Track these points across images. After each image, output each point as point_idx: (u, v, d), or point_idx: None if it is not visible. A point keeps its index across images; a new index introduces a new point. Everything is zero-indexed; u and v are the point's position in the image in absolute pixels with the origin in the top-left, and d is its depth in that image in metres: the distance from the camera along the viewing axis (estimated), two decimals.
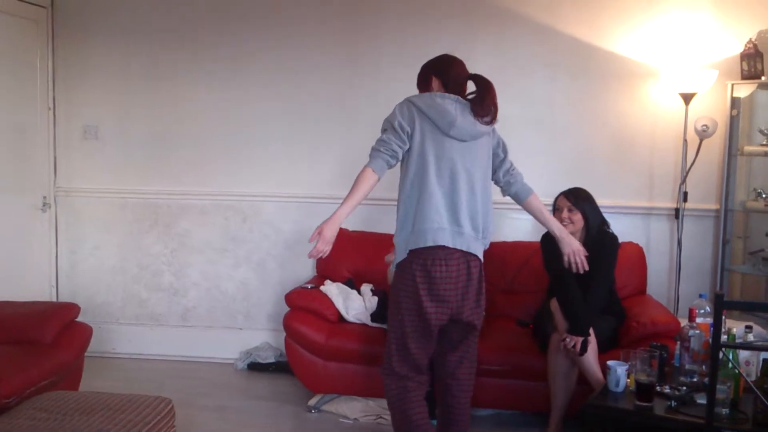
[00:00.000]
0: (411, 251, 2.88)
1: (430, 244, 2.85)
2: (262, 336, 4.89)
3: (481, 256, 3.00)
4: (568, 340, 3.37)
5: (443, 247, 2.87)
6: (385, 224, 4.62)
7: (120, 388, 3.68)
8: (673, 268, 4.37)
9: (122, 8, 4.85)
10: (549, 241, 3.72)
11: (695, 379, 3.10)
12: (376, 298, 4.21)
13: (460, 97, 2.97)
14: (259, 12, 4.72)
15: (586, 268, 3.24)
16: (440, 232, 2.86)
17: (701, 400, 2.89)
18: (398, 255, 2.94)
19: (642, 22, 4.34)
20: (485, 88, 3.01)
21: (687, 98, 4.14)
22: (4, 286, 4.37)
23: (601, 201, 3.75)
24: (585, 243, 3.64)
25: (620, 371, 3.06)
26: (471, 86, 3.06)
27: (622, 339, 3.64)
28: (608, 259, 3.60)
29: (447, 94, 2.96)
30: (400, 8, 4.58)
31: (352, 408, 3.97)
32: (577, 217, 3.63)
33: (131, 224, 4.98)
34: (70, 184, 5.00)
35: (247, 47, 4.75)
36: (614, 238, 3.68)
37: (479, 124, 2.95)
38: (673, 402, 2.90)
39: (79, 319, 3.84)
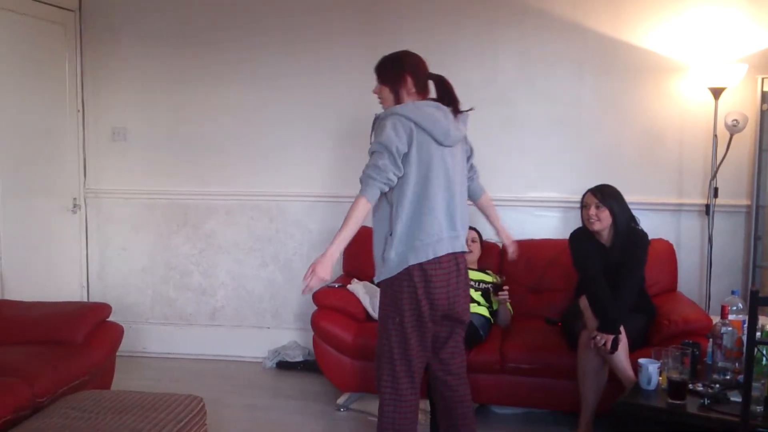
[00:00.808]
0: (411, 265, 2.81)
1: (431, 257, 2.82)
2: (290, 335, 4.91)
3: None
4: (598, 338, 3.34)
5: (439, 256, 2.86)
6: None
7: (151, 387, 3.71)
8: (704, 265, 4.32)
9: (148, 11, 4.90)
10: (577, 238, 3.72)
11: (728, 377, 3.06)
12: None
13: (438, 103, 2.93)
14: (281, 15, 4.74)
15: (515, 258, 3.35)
16: (440, 243, 2.84)
17: (735, 397, 2.86)
18: (389, 269, 2.84)
19: (670, 16, 4.29)
20: (449, 88, 2.99)
21: (716, 93, 4.09)
22: (36, 287, 4.44)
23: (630, 197, 3.71)
24: (613, 240, 3.63)
25: (652, 369, 3.03)
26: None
27: (653, 337, 3.60)
28: (638, 256, 3.56)
29: (429, 102, 2.92)
30: (421, 7, 4.57)
31: None
32: (605, 214, 3.60)
33: (160, 225, 5.03)
34: (99, 185, 5.06)
35: (270, 49, 4.76)
36: (644, 234, 3.64)
37: (461, 127, 2.96)
38: (706, 400, 2.86)
39: (110, 318, 3.88)
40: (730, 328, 3.22)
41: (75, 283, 5.01)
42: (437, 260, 2.84)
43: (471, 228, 4.34)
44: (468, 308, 3.08)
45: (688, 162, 4.36)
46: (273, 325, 4.95)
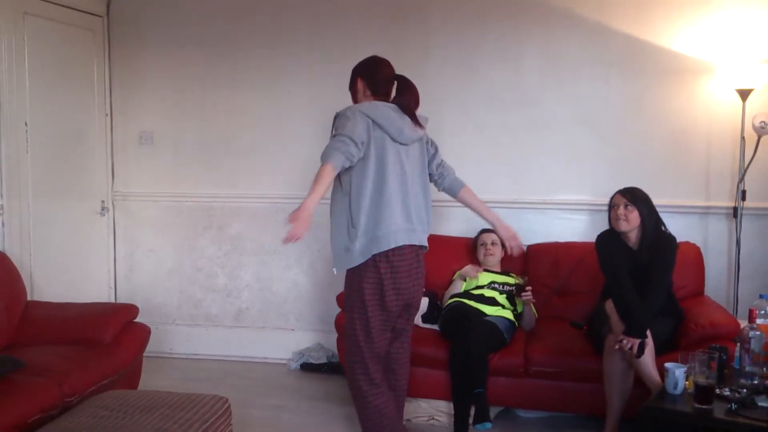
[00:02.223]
0: (376, 256, 3.02)
1: (393, 246, 3.03)
2: (313, 337, 4.93)
3: (426, 244, 3.23)
4: (624, 342, 3.32)
5: (401, 246, 3.07)
6: (432, 226, 4.58)
7: (177, 387, 3.74)
8: (731, 269, 4.27)
9: (174, 17, 4.96)
10: (605, 241, 3.69)
11: (756, 382, 3.03)
12: (426, 300, 4.20)
13: (394, 105, 3.12)
14: (307, 20, 4.77)
15: (523, 250, 3.44)
16: (399, 233, 3.05)
17: (762, 402, 2.84)
18: (352, 259, 3.04)
19: (697, 17, 4.25)
20: (410, 90, 3.18)
21: (744, 94, 4.04)
22: (66, 288, 4.50)
23: (656, 200, 3.68)
24: (641, 243, 3.59)
25: (678, 373, 3.00)
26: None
27: (680, 341, 3.57)
28: (666, 260, 3.53)
29: (384, 102, 3.13)
30: (446, 9, 4.58)
31: (404, 409, 3.97)
32: (633, 215, 3.57)
33: (186, 227, 5.08)
34: (127, 188, 5.12)
35: (295, 53, 4.79)
36: (672, 238, 3.61)
37: (417, 128, 3.15)
38: (733, 404, 2.83)
39: (138, 319, 3.94)
40: (758, 332, 3.18)
41: (103, 285, 5.08)
42: (400, 250, 3.06)
43: (493, 231, 4.33)
44: (422, 293, 3.36)
45: (715, 164, 4.31)
46: (297, 326, 4.98)
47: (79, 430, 2.62)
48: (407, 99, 3.15)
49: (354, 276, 3.10)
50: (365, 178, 3.03)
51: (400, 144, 3.08)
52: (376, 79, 3.17)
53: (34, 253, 4.33)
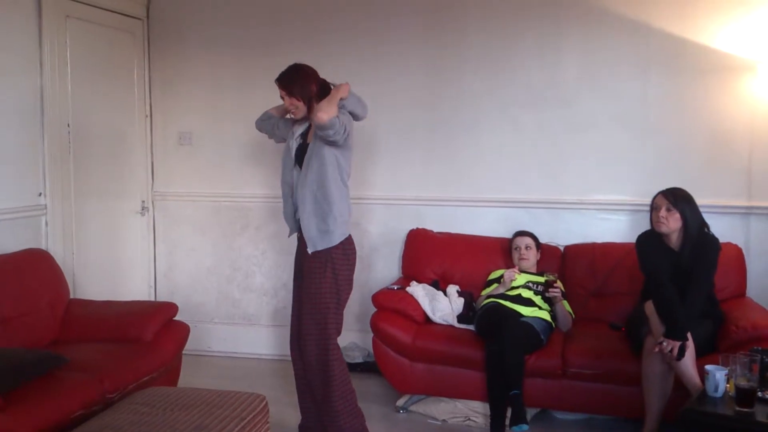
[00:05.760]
0: (346, 238, 3.41)
1: (349, 231, 3.47)
2: (349, 336, 4.94)
3: None
4: (665, 344, 3.27)
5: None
6: (469, 225, 4.62)
7: (216, 385, 3.79)
8: None
9: (213, 19, 5.02)
10: (645, 241, 3.65)
11: None
12: (462, 300, 4.20)
13: None
14: (343, 22, 4.79)
15: None
16: (350, 223, 3.51)
17: None
18: (331, 240, 3.36)
19: (739, 14, 4.17)
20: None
21: None
22: (107, 287, 4.60)
23: (697, 200, 3.61)
24: (683, 245, 3.54)
25: (719, 376, 2.95)
26: None
27: (721, 343, 3.51)
28: (708, 262, 3.48)
29: None
30: (484, 6, 4.56)
31: (440, 409, 3.97)
32: (675, 217, 3.51)
33: (224, 227, 5.14)
34: (166, 188, 5.20)
35: (332, 57, 4.79)
36: (715, 240, 3.55)
37: None
38: None
39: (177, 318, 3.99)
40: None
41: (143, 283, 5.16)
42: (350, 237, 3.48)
43: (527, 234, 4.31)
44: None
45: (757, 163, 4.23)
46: None
47: (121, 426, 2.67)
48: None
49: (328, 259, 3.37)
50: (343, 170, 3.40)
51: None
52: (320, 82, 3.45)
53: (76, 252, 4.42)
